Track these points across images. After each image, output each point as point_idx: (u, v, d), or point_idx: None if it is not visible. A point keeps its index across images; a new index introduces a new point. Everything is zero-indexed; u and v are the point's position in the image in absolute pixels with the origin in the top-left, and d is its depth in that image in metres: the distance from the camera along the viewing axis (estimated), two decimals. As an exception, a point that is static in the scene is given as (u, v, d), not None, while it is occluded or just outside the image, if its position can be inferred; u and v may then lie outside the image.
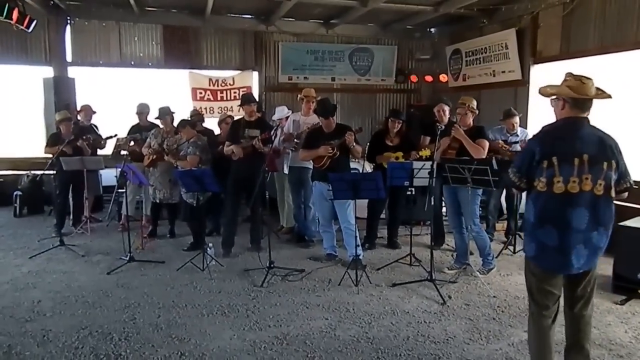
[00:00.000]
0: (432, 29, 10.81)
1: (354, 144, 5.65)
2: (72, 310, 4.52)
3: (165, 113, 6.82)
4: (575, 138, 2.98)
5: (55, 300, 4.73)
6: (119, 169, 6.16)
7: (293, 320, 4.35)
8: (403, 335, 4.06)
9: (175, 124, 6.86)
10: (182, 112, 7.90)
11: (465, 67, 9.83)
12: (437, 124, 5.61)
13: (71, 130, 7.24)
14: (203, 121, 7.92)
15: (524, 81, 8.38)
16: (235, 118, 7.09)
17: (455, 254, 5.91)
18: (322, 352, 3.77)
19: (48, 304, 4.64)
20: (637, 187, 6.33)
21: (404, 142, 6.45)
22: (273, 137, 6.18)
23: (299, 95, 6.99)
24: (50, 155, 7.17)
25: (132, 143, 7.39)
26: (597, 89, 3.08)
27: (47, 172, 7.43)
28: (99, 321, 4.26)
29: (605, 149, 2.98)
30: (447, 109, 6.12)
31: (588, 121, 3.09)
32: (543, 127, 3.24)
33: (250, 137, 6.13)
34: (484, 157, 5.30)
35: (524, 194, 5.35)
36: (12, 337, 3.96)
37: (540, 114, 7.96)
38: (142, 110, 7.72)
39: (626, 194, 3.15)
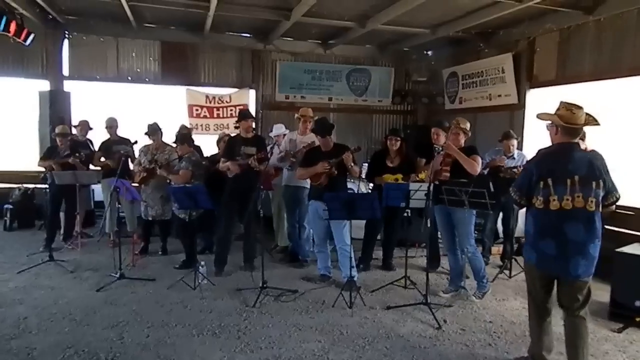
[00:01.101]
0: (429, 52, 10.87)
1: (352, 163, 5.61)
2: (58, 327, 4.41)
3: (155, 130, 6.78)
4: (567, 161, 3.43)
5: (42, 317, 4.62)
6: (111, 185, 6.07)
7: (285, 342, 4.25)
8: (397, 360, 3.98)
9: (164, 139, 6.88)
10: (176, 128, 7.88)
11: (462, 90, 9.86)
12: (435, 145, 5.58)
13: (67, 145, 7.19)
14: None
15: (520, 105, 8.41)
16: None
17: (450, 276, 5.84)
18: (314, 376, 3.69)
19: (34, 321, 4.53)
20: (633, 213, 6.37)
21: (404, 163, 6.43)
22: (269, 155, 6.15)
23: (295, 115, 6.96)
24: (42, 169, 7.14)
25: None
26: (588, 115, 3.50)
27: (39, 185, 7.37)
28: (86, 339, 4.16)
29: (594, 170, 3.42)
30: (442, 134, 5.99)
31: (578, 145, 3.56)
32: (539, 151, 3.69)
33: (246, 154, 6.08)
34: (478, 171, 5.28)
35: (519, 217, 5.42)
36: (-5, 355, 3.85)
37: (536, 137, 7.99)
38: (111, 124, 7.73)
39: (613, 206, 3.59)
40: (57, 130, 7.34)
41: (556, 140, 3.58)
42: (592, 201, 3.37)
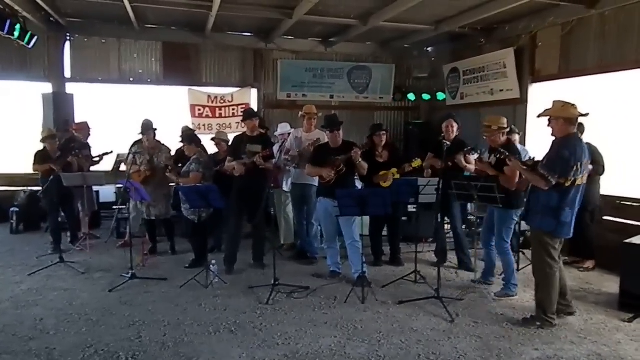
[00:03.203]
0: (430, 48, 10.90)
1: (360, 160, 5.65)
2: (76, 328, 4.44)
3: (149, 128, 6.80)
4: (582, 148, 4.32)
5: (59, 318, 4.65)
6: (122, 186, 6.10)
7: (302, 338, 4.30)
8: (414, 354, 4.02)
9: (167, 140, 7.01)
10: (178, 129, 7.90)
11: (463, 86, 9.90)
12: (444, 141, 5.62)
13: (57, 147, 7.18)
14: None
15: (522, 100, 8.44)
16: (236, 134, 7.02)
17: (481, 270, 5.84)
18: (333, 370, 3.73)
19: (51, 322, 4.55)
20: (639, 205, 6.43)
21: (392, 156, 6.50)
22: (277, 153, 6.18)
23: (300, 113, 6.96)
24: (38, 173, 7.16)
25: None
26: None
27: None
28: (105, 339, 4.19)
29: (588, 154, 4.48)
30: (455, 125, 6.12)
31: None
32: (555, 141, 4.35)
33: (251, 152, 6.09)
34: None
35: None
36: (16, 356, 3.88)
37: (539, 132, 8.04)
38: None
39: None
40: (42, 135, 7.31)
41: (564, 131, 4.30)
42: (586, 177, 4.42)
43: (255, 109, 10.13)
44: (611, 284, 5.70)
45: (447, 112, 7.09)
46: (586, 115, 4.38)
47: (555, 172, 4.20)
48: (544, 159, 4.41)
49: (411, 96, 11.01)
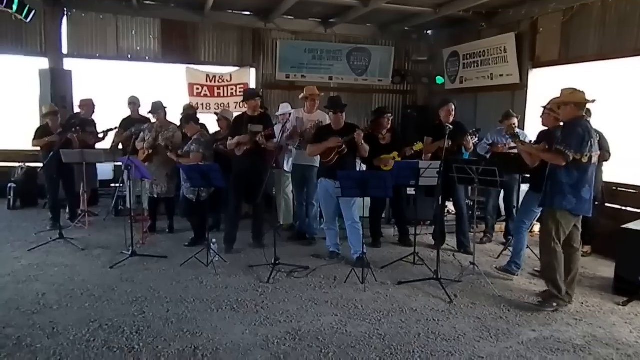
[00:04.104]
0: (429, 31, 10.87)
1: (362, 142, 5.67)
2: (78, 303, 4.47)
3: (158, 107, 6.76)
4: (591, 128, 4.51)
5: (60, 294, 4.67)
6: (122, 163, 6.08)
7: (303, 316, 4.35)
8: (414, 333, 4.09)
9: (168, 118, 6.91)
10: (177, 107, 7.87)
11: (463, 70, 9.90)
12: (445, 125, 5.65)
13: (59, 123, 7.15)
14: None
15: (522, 85, 8.47)
16: (237, 114, 7.01)
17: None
18: (335, 347, 3.79)
19: (53, 297, 4.58)
20: (635, 191, 6.52)
21: (395, 139, 6.58)
22: (278, 133, 6.18)
23: (301, 95, 6.92)
24: (38, 148, 7.15)
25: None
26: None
27: (41, 164, 7.33)
28: (108, 315, 4.22)
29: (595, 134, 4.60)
30: (454, 108, 6.23)
31: None
32: (566, 123, 4.54)
33: (253, 132, 6.08)
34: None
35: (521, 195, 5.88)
36: (20, 329, 3.90)
37: (538, 117, 8.08)
38: (134, 102, 7.80)
39: None
40: (44, 111, 7.28)
41: (572, 115, 4.49)
42: (598, 155, 4.63)
43: (254, 89, 10.12)
44: (605, 269, 5.81)
45: (444, 97, 7.10)
46: (593, 101, 4.54)
47: (572, 146, 4.33)
48: (557, 139, 4.51)
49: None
